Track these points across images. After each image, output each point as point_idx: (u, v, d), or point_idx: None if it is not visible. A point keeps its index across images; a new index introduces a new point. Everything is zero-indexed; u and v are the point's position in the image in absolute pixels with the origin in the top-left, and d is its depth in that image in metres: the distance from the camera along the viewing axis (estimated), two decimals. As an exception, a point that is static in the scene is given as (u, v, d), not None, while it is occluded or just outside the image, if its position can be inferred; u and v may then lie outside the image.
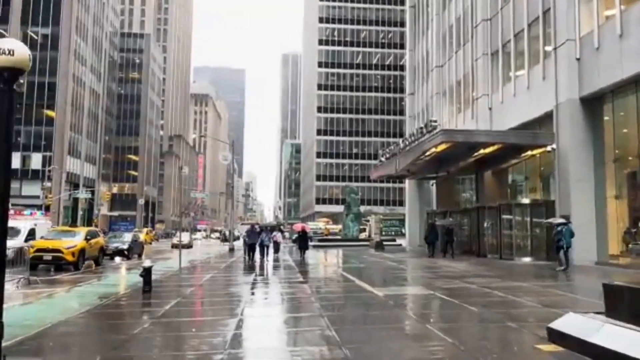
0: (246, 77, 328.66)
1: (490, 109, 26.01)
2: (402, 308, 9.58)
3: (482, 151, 21.84)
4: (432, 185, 34.14)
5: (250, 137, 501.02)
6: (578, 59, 19.14)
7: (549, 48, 21.04)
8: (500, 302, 10.08)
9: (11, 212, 36.22)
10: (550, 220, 18.22)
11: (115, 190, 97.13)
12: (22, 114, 65.79)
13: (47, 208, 53.55)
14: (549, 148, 19.91)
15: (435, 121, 23.36)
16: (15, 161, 66.04)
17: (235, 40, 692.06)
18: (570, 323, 6.56)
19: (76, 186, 69.87)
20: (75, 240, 19.35)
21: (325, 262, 23.10)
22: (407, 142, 25.63)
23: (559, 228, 16.50)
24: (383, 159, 29.73)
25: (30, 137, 66.63)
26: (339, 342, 6.44)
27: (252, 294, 11.74)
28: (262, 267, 18.75)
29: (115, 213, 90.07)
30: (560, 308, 9.06)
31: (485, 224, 23.80)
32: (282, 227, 64.33)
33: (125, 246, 26.13)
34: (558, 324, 6.59)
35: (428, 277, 15.20)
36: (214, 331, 7.54)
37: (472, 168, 25.97)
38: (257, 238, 21.83)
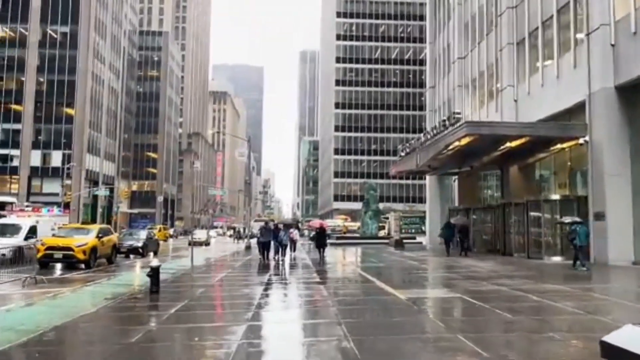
0: (264, 75, 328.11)
1: (516, 100, 24.82)
2: (428, 314, 8.71)
3: (508, 145, 20.73)
4: (454, 181, 33.01)
5: (269, 135, 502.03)
6: (613, 45, 17.92)
7: (580, 35, 19.82)
8: (536, 307, 9.14)
9: (29, 209, 36.19)
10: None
11: (135, 187, 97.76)
12: (42, 112, 66.44)
13: (67, 205, 53.79)
14: (581, 140, 18.74)
15: (459, 113, 22.23)
16: (36, 159, 66.74)
17: (253, 38, 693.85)
18: (628, 337, 5.64)
19: (96, 184, 70.25)
20: (86, 238, 18.87)
21: (344, 261, 22.28)
22: (428, 136, 24.57)
23: (573, 227, 15.99)
24: (403, 154, 28.71)
25: (50, 135, 67.11)
26: (358, 356, 5.62)
27: (265, 296, 10.98)
28: (277, 267, 17.94)
29: (135, 210, 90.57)
30: (605, 315, 8.10)
31: (511, 221, 22.69)
32: (299, 224, 63.41)
33: (140, 244, 25.64)
34: (614, 338, 5.65)
35: (453, 277, 14.26)
36: (219, 340, 6.78)
37: (497, 163, 24.84)
38: (271, 236, 20.67)
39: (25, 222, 19.07)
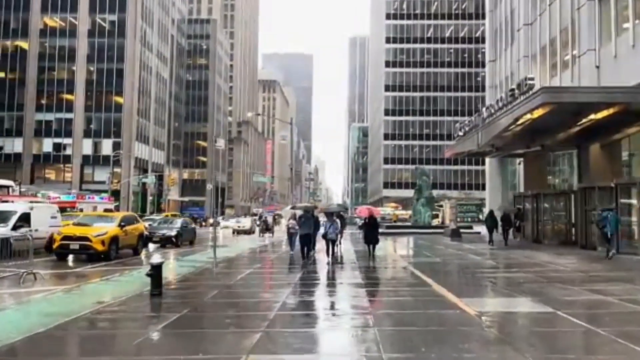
0: (314, 63, 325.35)
1: (597, 67, 20.95)
2: (516, 345, 5.88)
3: (592, 117, 17.21)
4: (519, 163, 29.32)
5: (319, 123, 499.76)
6: None
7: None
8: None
9: (66, 197, 35.54)
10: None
11: (185, 176, 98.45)
12: (92, 101, 66.98)
13: (114, 193, 53.71)
14: (692, 108, 15.02)
15: (532, 79, 18.66)
16: (88, 147, 67.49)
17: (302, 26, 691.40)
18: None
19: (145, 171, 70.42)
20: (106, 227, 17.12)
21: (394, 255, 19.49)
22: (492, 110, 21.13)
23: (604, 214, 15.70)
24: (461, 133, 25.36)
25: (100, 124, 67.64)
26: None
27: (287, 306, 8.47)
28: (314, 263, 15.21)
29: (186, 198, 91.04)
30: None
31: (593, 209, 19.11)
32: (345, 212, 60.10)
33: (173, 233, 23.91)
34: None
35: (532, 279, 11.26)
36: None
37: (574, 140, 21.19)
38: (312, 227, 16.50)
39: (16, 208, 17.20)
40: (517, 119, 17.35)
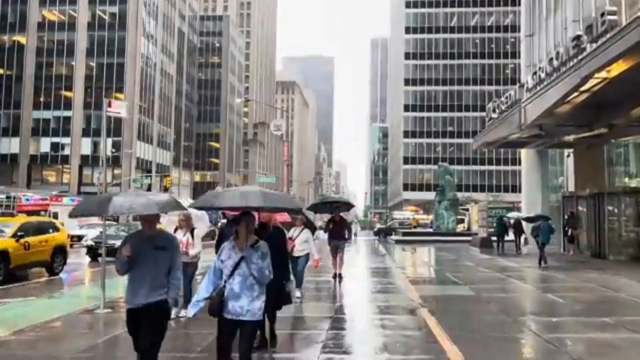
0: (335, 65, 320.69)
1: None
2: None
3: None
4: (568, 156, 23.38)
5: (341, 126, 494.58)
6: None
7: None
8: None
9: (41, 199, 30.80)
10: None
11: (197, 178, 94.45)
12: (92, 98, 63.13)
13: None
14: None
15: (614, 13, 12.76)
16: (87, 147, 63.63)
17: (323, 28, 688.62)
18: None
19: (149, 172, 66.22)
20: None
21: (403, 280, 13.81)
22: (542, 74, 15.21)
23: (538, 223, 15.73)
24: (495, 114, 19.61)
25: (100, 122, 63.53)
26: None
27: None
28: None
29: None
30: None
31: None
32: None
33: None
34: None
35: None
36: None
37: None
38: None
39: None
40: (585, 80, 11.60)
